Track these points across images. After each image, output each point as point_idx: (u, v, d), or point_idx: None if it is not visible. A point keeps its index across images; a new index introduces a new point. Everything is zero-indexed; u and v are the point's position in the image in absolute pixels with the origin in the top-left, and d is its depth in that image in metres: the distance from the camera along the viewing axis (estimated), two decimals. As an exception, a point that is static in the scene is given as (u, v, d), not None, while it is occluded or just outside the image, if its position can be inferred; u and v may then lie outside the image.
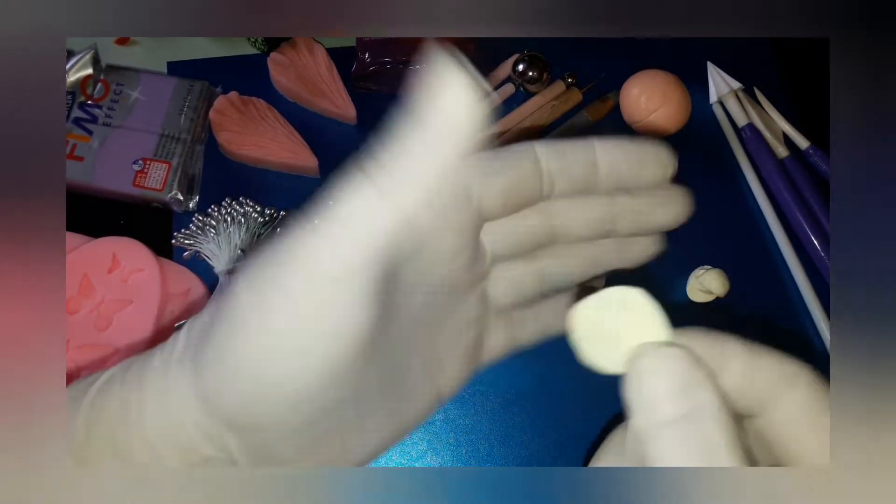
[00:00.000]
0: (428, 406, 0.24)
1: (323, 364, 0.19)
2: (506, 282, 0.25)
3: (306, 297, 0.19)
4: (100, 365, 0.40)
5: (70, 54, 0.50)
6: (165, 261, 0.44)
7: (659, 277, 0.51)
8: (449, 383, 0.24)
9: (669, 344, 0.20)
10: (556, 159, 0.23)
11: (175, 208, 0.49)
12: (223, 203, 0.48)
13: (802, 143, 0.54)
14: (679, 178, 0.24)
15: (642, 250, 0.26)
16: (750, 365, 0.21)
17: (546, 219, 0.24)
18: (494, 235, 0.24)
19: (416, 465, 0.45)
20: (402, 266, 0.21)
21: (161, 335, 0.42)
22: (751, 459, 0.19)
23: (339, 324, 0.19)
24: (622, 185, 0.24)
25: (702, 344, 0.21)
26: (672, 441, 0.19)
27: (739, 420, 0.21)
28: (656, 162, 0.24)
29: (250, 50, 0.55)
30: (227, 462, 0.21)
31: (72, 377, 0.39)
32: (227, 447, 0.21)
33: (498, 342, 0.26)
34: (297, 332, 0.19)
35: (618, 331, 0.21)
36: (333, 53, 0.53)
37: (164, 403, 0.21)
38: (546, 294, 0.26)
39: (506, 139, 0.52)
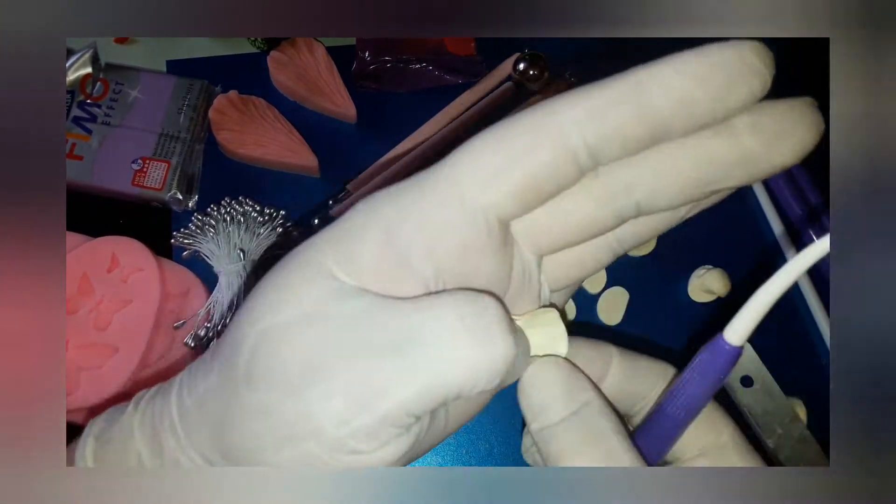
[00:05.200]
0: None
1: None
2: (557, 264, 0.21)
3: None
4: (100, 364, 0.40)
5: (69, 53, 0.50)
6: (165, 260, 0.44)
7: (660, 277, 0.51)
8: None
9: (551, 357, 0.22)
10: (591, 125, 0.17)
11: (174, 208, 0.49)
12: (223, 202, 0.48)
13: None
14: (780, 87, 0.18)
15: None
16: (627, 367, 0.23)
17: (605, 204, 0.19)
18: (533, 233, 0.19)
19: (416, 465, 0.45)
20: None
21: (160, 334, 0.42)
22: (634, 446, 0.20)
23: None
24: (706, 123, 0.17)
25: (584, 352, 0.22)
26: (567, 436, 0.20)
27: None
28: (743, 72, 0.17)
29: (250, 49, 0.55)
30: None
31: (71, 377, 0.39)
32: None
33: (554, 274, 0.22)
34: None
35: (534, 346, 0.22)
36: (333, 52, 0.53)
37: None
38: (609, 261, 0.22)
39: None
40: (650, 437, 0.22)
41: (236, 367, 0.18)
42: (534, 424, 0.21)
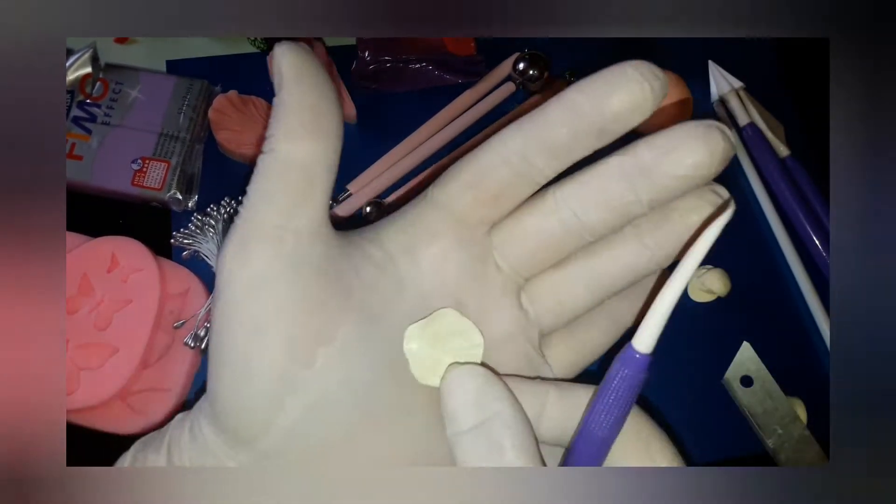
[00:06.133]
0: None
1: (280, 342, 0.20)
2: (544, 296, 0.24)
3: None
4: (100, 364, 0.40)
5: (69, 53, 0.50)
6: (164, 260, 0.44)
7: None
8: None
9: (471, 363, 0.22)
10: (514, 132, 0.22)
11: (174, 207, 0.49)
12: (222, 202, 0.48)
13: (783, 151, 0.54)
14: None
15: (676, 238, 0.24)
16: (567, 405, 0.22)
17: (550, 213, 0.23)
18: (502, 245, 0.24)
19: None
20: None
21: (160, 334, 0.42)
22: (542, 463, 0.20)
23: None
24: (593, 125, 0.21)
25: (518, 389, 0.22)
26: (466, 447, 0.20)
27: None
28: (622, 81, 0.21)
29: (250, 49, 0.55)
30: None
31: (71, 377, 0.39)
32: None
33: (560, 359, 0.25)
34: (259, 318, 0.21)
35: (443, 351, 0.22)
36: (334, 52, 0.53)
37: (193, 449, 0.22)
38: (597, 303, 0.24)
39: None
40: (580, 455, 0.21)
41: None
42: (447, 430, 0.21)
